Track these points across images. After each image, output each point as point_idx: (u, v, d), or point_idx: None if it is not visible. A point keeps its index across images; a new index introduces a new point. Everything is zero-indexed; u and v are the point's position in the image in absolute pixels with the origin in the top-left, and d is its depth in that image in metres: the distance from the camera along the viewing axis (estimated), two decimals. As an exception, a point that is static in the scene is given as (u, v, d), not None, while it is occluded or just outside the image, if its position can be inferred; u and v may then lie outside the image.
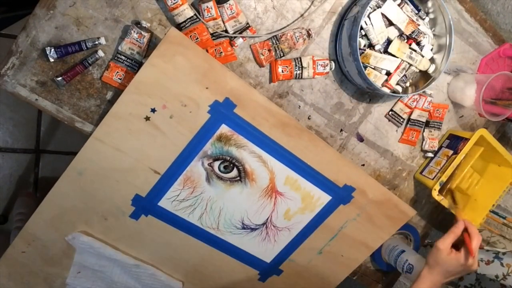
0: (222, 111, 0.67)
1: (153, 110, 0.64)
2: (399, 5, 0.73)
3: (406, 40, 0.75)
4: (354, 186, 0.79)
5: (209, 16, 0.65)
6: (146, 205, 0.71)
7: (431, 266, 0.69)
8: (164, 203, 0.72)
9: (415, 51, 0.76)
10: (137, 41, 0.64)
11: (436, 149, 0.88)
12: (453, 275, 0.69)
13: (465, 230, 0.67)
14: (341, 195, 0.79)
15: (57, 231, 0.70)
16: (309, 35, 0.73)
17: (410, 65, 0.77)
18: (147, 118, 0.65)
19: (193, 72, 0.64)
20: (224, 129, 0.68)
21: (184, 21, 0.64)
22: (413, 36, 0.75)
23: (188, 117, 0.66)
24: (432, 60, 0.78)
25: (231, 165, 0.71)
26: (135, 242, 0.74)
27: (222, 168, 0.72)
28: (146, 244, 0.75)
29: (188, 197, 0.72)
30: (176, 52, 0.62)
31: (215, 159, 0.70)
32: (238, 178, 0.73)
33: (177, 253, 0.77)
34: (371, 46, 0.74)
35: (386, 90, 0.76)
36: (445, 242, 0.67)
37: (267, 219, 0.79)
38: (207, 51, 0.67)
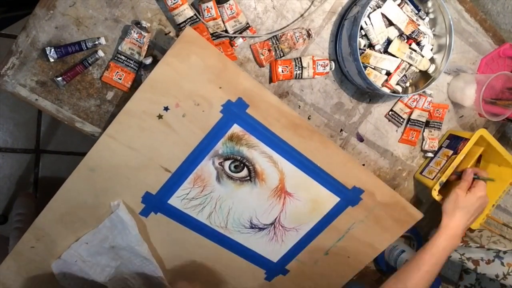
0: (235, 111, 0.67)
1: (166, 109, 0.64)
2: (399, 5, 0.73)
3: (406, 40, 0.75)
4: (362, 188, 0.79)
5: (209, 16, 0.65)
6: (156, 203, 0.72)
7: (450, 213, 0.76)
8: (174, 201, 0.72)
9: (415, 51, 0.76)
10: (137, 41, 0.64)
11: (436, 149, 0.88)
12: (472, 215, 0.77)
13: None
14: (349, 196, 0.79)
15: (66, 227, 0.70)
16: (309, 35, 0.73)
17: (410, 65, 0.77)
18: (160, 116, 0.65)
19: (207, 72, 0.64)
20: (236, 128, 0.68)
21: (184, 21, 0.64)
22: (413, 36, 0.75)
23: (200, 116, 0.66)
24: (432, 60, 0.78)
25: (242, 164, 0.72)
26: (144, 239, 0.74)
27: (232, 168, 0.72)
28: (155, 241, 0.75)
29: (198, 195, 0.72)
30: (191, 51, 0.62)
31: (226, 159, 0.71)
32: (248, 178, 0.73)
33: (185, 251, 0.78)
34: (371, 46, 0.74)
35: (386, 90, 0.76)
36: (462, 187, 0.77)
37: (276, 219, 0.79)
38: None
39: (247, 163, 0.72)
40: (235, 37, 0.68)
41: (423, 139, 0.89)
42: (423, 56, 0.77)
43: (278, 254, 0.83)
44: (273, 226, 0.79)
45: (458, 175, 0.83)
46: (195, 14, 0.64)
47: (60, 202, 0.68)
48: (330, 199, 0.78)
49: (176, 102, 0.64)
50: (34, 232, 0.70)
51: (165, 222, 0.74)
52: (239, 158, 0.71)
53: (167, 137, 0.66)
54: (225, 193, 0.73)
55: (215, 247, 0.78)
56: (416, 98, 0.83)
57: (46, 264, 0.73)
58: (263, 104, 0.68)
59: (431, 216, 0.99)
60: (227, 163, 0.71)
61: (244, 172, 0.72)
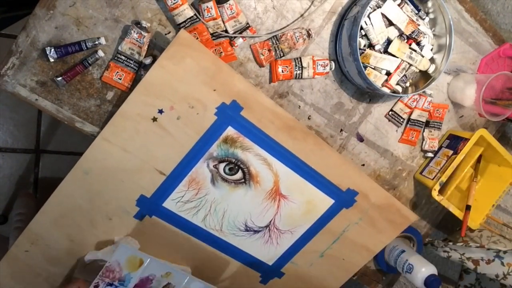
0: (229, 113, 0.67)
1: (161, 111, 0.64)
2: (399, 5, 0.73)
3: (406, 40, 0.75)
4: (357, 190, 0.79)
5: (209, 16, 0.65)
6: (151, 206, 0.71)
7: None
8: (169, 204, 0.72)
9: (415, 51, 0.76)
10: (137, 41, 0.64)
11: (436, 149, 0.88)
12: None
13: None
14: (344, 199, 0.79)
15: (61, 230, 0.70)
16: (309, 35, 0.73)
17: (410, 65, 0.77)
18: (155, 119, 0.65)
19: (201, 74, 0.64)
20: (230, 131, 0.69)
21: (184, 21, 0.64)
22: (413, 36, 0.75)
23: (195, 119, 0.66)
24: (432, 60, 0.78)
25: (236, 167, 0.72)
26: (139, 243, 0.74)
27: (227, 170, 0.72)
28: (150, 244, 0.75)
29: (193, 198, 0.72)
30: (185, 54, 0.62)
31: (221, 161, 0.71)
32: (243, 180, 0.73)
33: (179, 254, 0.77)
34: (371, 46, 0.74)
35: (386, 90, 0.76)
36: None
37: (270, 221, 0.79)
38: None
39: (241, 166, 0.72)
40: (235, 37, 0.68)
41: (423, 139, 0.89)
42: (423, 56, 0.77)
43: (273, 257, 0.83)
44: (268, 228, 0.79)
45: None
46: (195, 14, 0.64)
47: (55, 205, 0.68)
48: (325, 201, 0.79)
49: (171, 105, 0.64)
50: (28, 236, 0.69)
51: (160, 225, 0.74)
52: (233, 160, 0.71)
53: (161, 140, 0.66)
54: (220, 196, 0.73)
55: (210, 250, 0.78)
56: (416, 98, 0.83)
57: (40, 268, 0.72)
58: (257, 106, 0.68)
59: (431, 216, 0.99)
60: (221, 166, 0.71)
61: (239, 174, 0.72)
